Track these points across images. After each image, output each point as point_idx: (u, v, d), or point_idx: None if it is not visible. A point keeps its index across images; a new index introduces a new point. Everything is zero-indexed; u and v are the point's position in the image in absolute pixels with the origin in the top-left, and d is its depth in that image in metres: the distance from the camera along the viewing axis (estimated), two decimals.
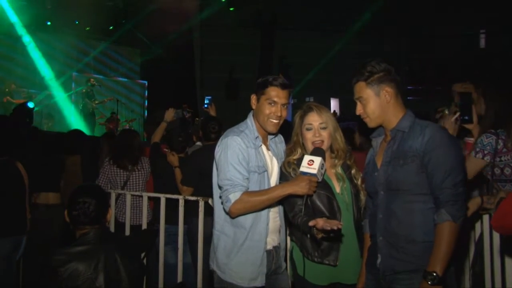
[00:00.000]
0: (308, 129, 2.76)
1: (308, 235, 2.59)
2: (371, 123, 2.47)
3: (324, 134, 2.74)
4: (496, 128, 2.93)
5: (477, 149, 2.95)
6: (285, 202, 2.68)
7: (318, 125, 2.74)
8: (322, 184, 2.61)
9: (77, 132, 6.13)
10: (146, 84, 16.04)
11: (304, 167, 2.49)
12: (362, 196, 2.74)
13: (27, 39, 12.87)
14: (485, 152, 2.89)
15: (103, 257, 2.47)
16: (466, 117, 3.21)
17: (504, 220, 1.89)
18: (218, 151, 2.73)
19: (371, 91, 2.41)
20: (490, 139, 2.89)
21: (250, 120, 2.81)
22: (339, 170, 2.80)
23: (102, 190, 2.90)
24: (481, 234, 3.09)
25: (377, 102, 2.42)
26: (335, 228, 2.27)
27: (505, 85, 3.08)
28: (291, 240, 2.86)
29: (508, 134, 2.86)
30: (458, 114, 3.23)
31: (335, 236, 2.50)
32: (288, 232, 3.06)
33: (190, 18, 14.59)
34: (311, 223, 2.34)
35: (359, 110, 2.47)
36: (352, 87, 2.49)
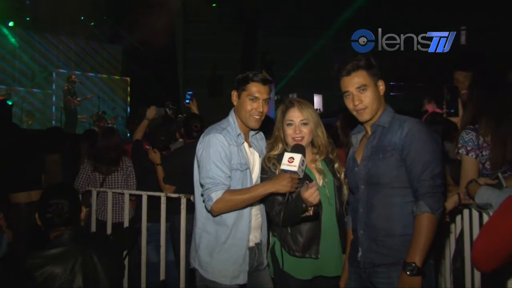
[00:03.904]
0: (289, 125, 2.75)
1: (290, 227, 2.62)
2: (367, 116, 2.43)
3: (305, 130, 2.73)
4: (475, 123, 2.93)
5: (459, 145, 2.94)
6: (265, 200, 2.67)
7: (299, 121, 2.73)
8: (304, 178, 2.60)
9: (57, 129, 6.05)
10: (129, 81, 15.87)
11: (284, 165, 2.48)
12: (345, 190, 2.75)
13: (5, 34, 12.61)
14: (468, 148, 2.88)
15: (80, 258, 2.42)
16: (452, 110, 3.24)
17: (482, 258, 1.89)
18: (200, 148, 2.71)
19: (371, 81, 2.41)
20: (470, 135, 2.89)
21: (232, 117, 2.80)
22: (320, 165, 2.80)
23: (73, 189, 2.84)
24: (462, 230, 3.11)
25: (376, 93, 2.42)
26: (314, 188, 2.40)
27: (484, 82, 3.08)
28: (272, 235, 2.86)
29: (480, 128, 2.86)
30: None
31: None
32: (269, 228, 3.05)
33: (172, 14, 14.48)
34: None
35: (358, 101, 2.41)
36: (343, 79, 2.44)
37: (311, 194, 2.41)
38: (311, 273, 2.70)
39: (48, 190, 2.61)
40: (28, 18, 13.05)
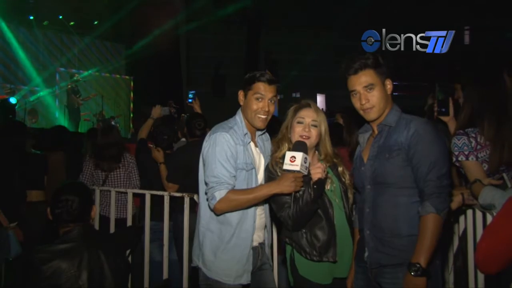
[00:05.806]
0: (299, 122, 2.70)
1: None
2: (373, 115, 2.42)
3: (314, 132, 2.68)
4: (472, 125, 2.89)
5: (456, 153, 2.90)
6: (272, 201, 2.64)
7: (310, 121, 2.68)
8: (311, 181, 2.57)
9: (60, 128, 6.05)
10: (132, 79, 15.88)
11: (287, 165, 2.45)
12: (350, 194, 2.72)
13: (8, 33, 12.63)
14: (466, 153, 2.84)
15: (87, 254, 2.45)
16: (443, 109, 3.22)
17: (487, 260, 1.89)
18: (206, 146, 2.70)
19: (378, 80, 2.40)
20: (463, 140, 2.85)
21: (239, 117, 2.79)
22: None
23: (86, 187, 2.86)
24: (465, 230, 3.10)
25: (383, 92, 2.41)
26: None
27: (485, 82, 3.05)
28: (286, 243, 2.78)
29: (481, 131, 2.83)
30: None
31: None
32: (278, 232, 3.02)
33: (176, 13, 14.48)
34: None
35: (365, 100, 2.39)
36: (351, 78, 2.43)
37: (313, 167, 2.49)
38: (330, 276, 2.64)
39: (61, 187, 2.65)
40: (31, 17, 13.04)
